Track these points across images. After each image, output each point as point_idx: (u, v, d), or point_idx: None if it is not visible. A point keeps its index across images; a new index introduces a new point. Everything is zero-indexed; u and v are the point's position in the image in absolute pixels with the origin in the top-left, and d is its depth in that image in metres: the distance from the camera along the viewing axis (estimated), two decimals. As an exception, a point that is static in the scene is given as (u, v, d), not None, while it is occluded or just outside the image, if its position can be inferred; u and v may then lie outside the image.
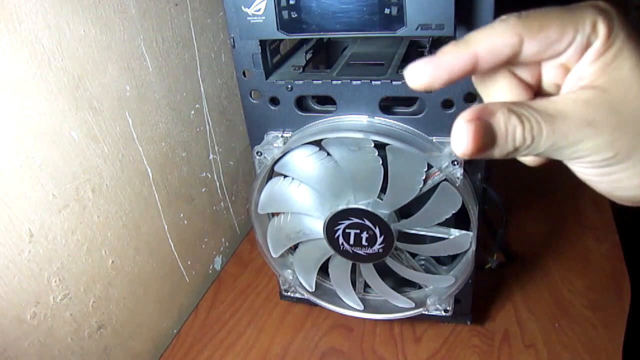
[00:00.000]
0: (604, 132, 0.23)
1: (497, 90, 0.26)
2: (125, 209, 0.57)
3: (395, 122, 0.48)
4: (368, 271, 0.56)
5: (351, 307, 0.60)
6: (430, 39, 0.52)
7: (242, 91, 0.51)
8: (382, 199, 0.49)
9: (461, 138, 0.22)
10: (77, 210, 0.51)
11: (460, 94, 0.45)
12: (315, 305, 0.62)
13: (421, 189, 0.47)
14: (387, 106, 0.48)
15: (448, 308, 0.57)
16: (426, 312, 0.57)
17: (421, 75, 0.23)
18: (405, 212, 0.51)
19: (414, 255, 0.56)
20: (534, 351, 0.58)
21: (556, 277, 0.67)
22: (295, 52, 0.57)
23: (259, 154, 0.52)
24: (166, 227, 0.65)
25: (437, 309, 0.57)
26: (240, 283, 0.73)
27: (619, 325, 0.59)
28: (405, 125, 0.48)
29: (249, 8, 0.43)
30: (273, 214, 0.58)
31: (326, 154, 0.50)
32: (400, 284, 0.59)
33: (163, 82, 0.63)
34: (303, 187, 0.53)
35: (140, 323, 0.62)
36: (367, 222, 0.50)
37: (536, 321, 0.62)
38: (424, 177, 0.47)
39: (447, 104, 0.46)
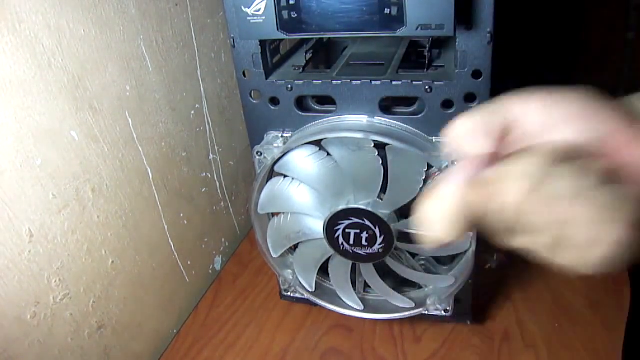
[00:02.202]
0: None
1: None
2: (125, 209, 0.57)
3: (395, 122, 0.48)
4: (368, 271, 0.56)
5: (351, 307, 0.60)
6: (430, 39, 0.52)
7: (242, 91, 0.51)
8: (382, 199, 0.49)
9: None
10: (77, 210, 0.51)
11: (461, 94, 0.45)
12: (315, 305, 0.62)
13: (421, 189, 0.47)
14: (387, 106, 0.48)
15: (448, 308, 0.57)
16: (426, 312, 0.57)
17: None
18: (405, 212, 0.51)
19: (414, 255, 0.56)
20: (534, 351, 0.58)
21: (556, 277, 0.67)
22: (295, 52, 0.57)
23: (259, 154, 0.52)
24: (166, 227, 0.65)
25: (437, 309, 0.57)
26: (240, 283, 0.73)
27: (619, 325, 0.59)
28: (405, 125, 0.48)
29: (249, 8, 0.43)
30: (273, 214, 0.58)
31: (326, 154, 0.50)
32: (400, 284, 0.59)
33: (163, 82, 0.63)
34: (303, 187, 0.53)
35: (140, 323, 0.62)
36: (367, 222, 0.50)
37: (536, 321, 0.62)
38: (424, 177, 0.47)
39: (447, 104, 0.46)
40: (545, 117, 0.24)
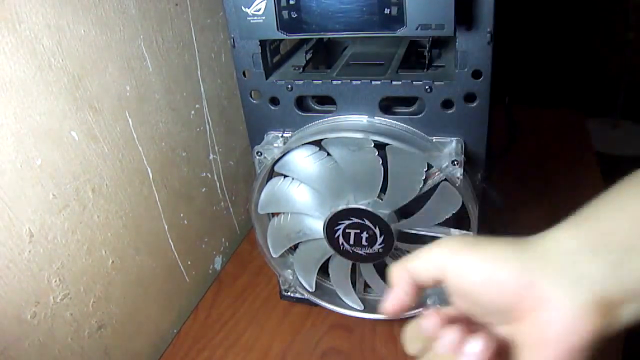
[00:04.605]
0: None
1: None
2: (125, 208, 0.57)
3: (395, 122, 0.48)
4: (368, 271, 0.56)
5: (351, 307, 0.60)
6: (430, 39, 0.52)
7: (242, 91, 0.51)
8: (382, 199, 0.49)
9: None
10: (77, 210, 0.51)
11: (460, 94, 0.45)
12: (315, 305, 0.62)
13: (421, 189, 0.47)
14: (387, 106, 0.48)
15: (448, 308, 0.57)
16: (426, 312, 0.57)
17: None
18: (405, 212, 0.51)
19: (414, 255, 0.56)
20: (534, 351, 0.58)
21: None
22: (295, 52, 0.57)
23: (259, 154, 0.52)
24: (166, 227, 0.65)
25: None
26: (240, 283, 0.73)
27: (619, 325, 0.59)
28: (405, 125, 0.48)
29: (249, 8, 0.43)
30: (273, 214, 0.58)
31: (326, 154, 0.50)
32: (400, 284, 0.59)
33: (163, 82, 0.63)
34: (303, 187, 0.53)
35: (140, 323, 0.62)
36: (367, 222, 0.50)
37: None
38: (424, 177, 0.47)
39: (447, 104, 0.46)
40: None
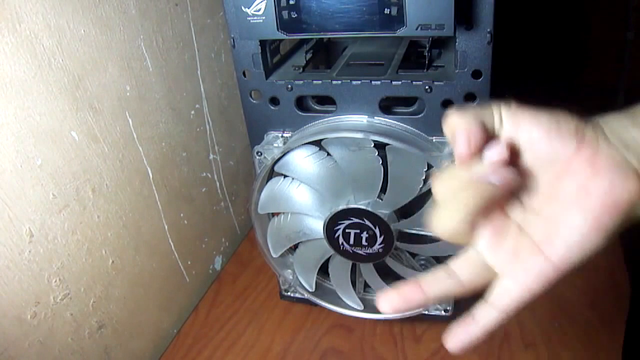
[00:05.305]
0: None
1: None
2: (125, 209, 0.57)
3: (395, 122, 0.48)
4: (368, 271, 0.56)
5: (351, 307, 0.60)
6: (430, 39, 0.52)
7: (242, 91, 0.51)
8: (382, 199, 0.49)
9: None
10: (77, 210, 0.51)
11: (460, 94, 0.45)
12: (315, 305, 0.62)
13: (421, 189, 0.47)
14: (387, 106, 0.48)
15: (448, 308, 0.57)
16: (426, 312, 0.57)
17: None
18: (405, 212, 0.51)
19: (414, 255, 0.56)
20: (534, 351, 0.58)
21: (556, 277, 0.67)
22: (295, 52, 0.57)
23: (259, 154, 0.52)
24: (166, 227, 0.65)
25: (437, 309, 0.57)
26: (240, 283, 0.73)
27: (619, 325, 0.59)
28: (405, 125, 0.48)
29: (249, 8, 0.43)
30: (273, 214, 0.58)
31: (326, 154, 0.50)
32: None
33: (163, 82, 0.63)
34: (303, 187, 0.53)
35: (140, 323, 0.62)
36: (367, 222, 0.50)
37: (536, 321, 0.62)
38: (424, 177, 0.47)
39: (447, 104, 0.46)
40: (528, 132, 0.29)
